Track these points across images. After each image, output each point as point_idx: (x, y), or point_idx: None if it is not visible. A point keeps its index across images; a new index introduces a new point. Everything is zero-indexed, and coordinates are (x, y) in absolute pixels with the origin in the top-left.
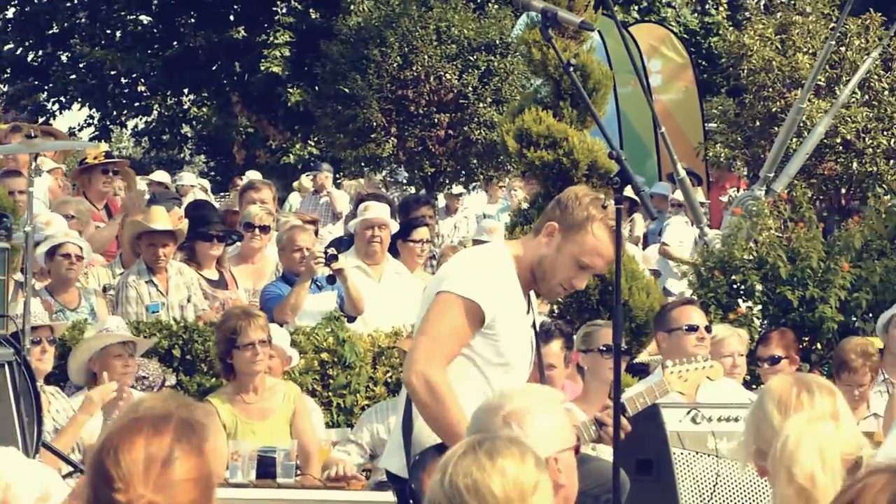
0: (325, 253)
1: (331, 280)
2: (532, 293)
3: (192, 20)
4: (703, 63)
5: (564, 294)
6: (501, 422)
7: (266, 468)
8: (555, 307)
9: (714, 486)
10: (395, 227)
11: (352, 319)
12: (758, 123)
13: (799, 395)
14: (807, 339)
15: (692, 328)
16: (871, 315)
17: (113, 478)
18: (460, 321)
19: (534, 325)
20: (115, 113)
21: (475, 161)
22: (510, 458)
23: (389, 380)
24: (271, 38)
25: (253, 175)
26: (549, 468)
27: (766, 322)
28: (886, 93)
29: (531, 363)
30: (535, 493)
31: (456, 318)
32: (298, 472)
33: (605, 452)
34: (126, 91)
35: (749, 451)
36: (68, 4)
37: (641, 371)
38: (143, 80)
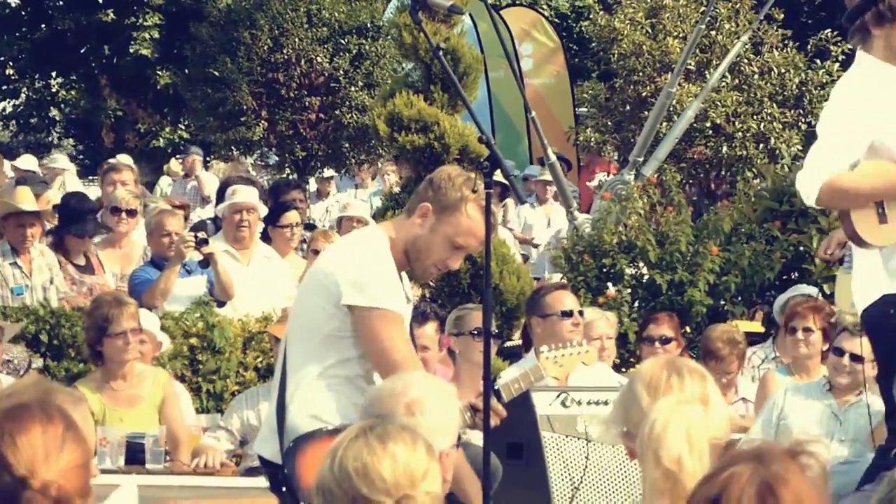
0: (196, 237)
1: (203, 264)
2: (404, 274)
3: (61, 2)
4: (574, 47)
5: (438, 274)
6: (404, 409)
7: (135, 454)
8: (426, 291)
9: (584, 469)
10: (263, 210)
11: (221, 304)
12: (628, 108)
13: (669, 378)
14: (690, 327)
15: (567, 313)
16: (739, 298)
17: (11, 464)
18: (404, 333)
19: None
20: None
21: (346, 145)
22: (402, 443)
23: (260, 365)
24: (140, 21)
25: (122, 158)
26: (440, 462)
27: (635, 305)
28: (756, 77)
29: None
30: (424, 479)
31: (401, 331)
32: (167, 458)
33: (478, 438)
34: None
35: (618, 432)
36: None
37: (513, 355)
38: (11, 63)
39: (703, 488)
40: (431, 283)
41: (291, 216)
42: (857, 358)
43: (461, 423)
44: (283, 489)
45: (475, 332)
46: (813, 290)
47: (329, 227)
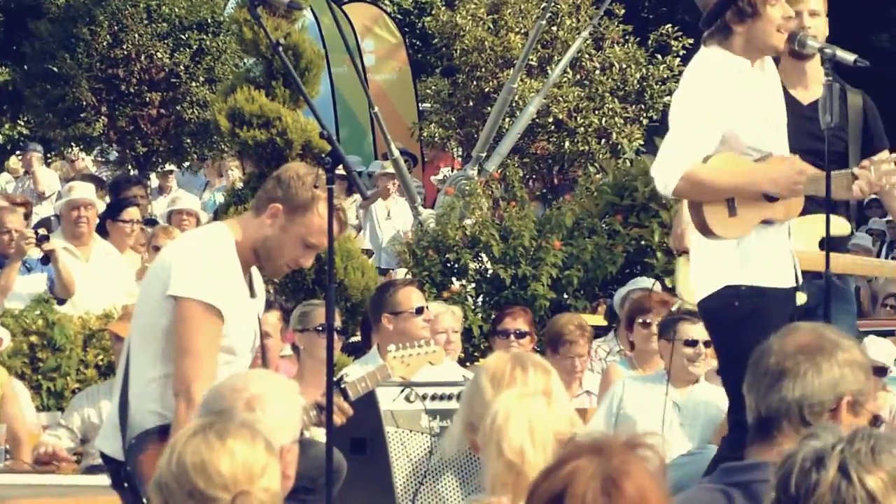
0: (36, 233)
1: (44, 261)
2: (255, 273)
3: None
4: (417, 43)
5: (289, 271)
6: (244, 405)
7: None
8: (269, 287)
9: (428, 463)
10: (101, 206)
11: (62, 302)
12: (471, 103)
13: (513, 371)
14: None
15: (419, 310)
16: (582, 292)
17: None
18: (212, 327)
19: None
20: None
21: (188, 140)
22: (241, 439)
23: (100, 363)
24: None
25: None
26: (281, 458)
27: (479, 300)
28: (597, 72)
29: (254, 350)
30: (262, 475)
31: (209, 328)
32: (8, 456)
33: (322, 435)
34: None
35: (462, 425)
36: None
37: (357, 350)
38: None
39: (545, 483)
40: (275, 279)
41: (130, 212)
42: (707, 344)
43: (306, 420)
44: (125, 486)
45: (319, 329)
46: (650, 283)
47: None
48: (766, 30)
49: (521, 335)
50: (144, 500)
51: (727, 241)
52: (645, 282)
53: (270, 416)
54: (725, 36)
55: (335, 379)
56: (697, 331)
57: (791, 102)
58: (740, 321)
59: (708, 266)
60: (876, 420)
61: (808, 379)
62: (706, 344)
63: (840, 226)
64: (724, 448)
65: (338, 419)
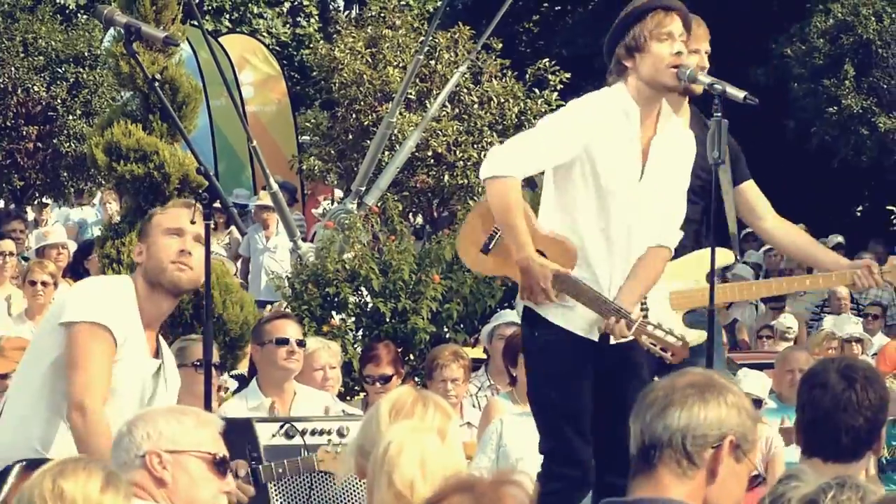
0: None
1: None
2: (162, 340)
3: None
4: (296, 75)
5: (185, 272)
6: (123, 426)
7: None
8: None
9: (308, 499)
10: None
11: None
12: (350, 136)
13: (413, 405)
14: (400, 349)
15: (281, 341)
16: (461, 325)
17: None
18: (103, 349)
19: (159, 373)
20: None
21: (66, 174)
22: (72, 480)
23: None
24: None
25: None
26: (147, 461)
27: (359, 333)
28: (476, 106)
29: (142, 403)
30: None
31: (98, 347)
32: None
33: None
34: None
35: (355, 448)
36: None
37: (238, 382)
38: None
39: None
40: None
41: (4, 244)
42: None
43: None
44: None
45: (197, 364)
46: (515, 316)
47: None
48: (655, 66)
49: (385, 380)
50: None
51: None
52: (511, 315)
53: (139, 429)
54: (620, 73)
55: (253, 455)
56: None
57: None
58: (535, 351)
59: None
60: (755, 478)
61: (695, 411)
62: None
63: (724, 255)
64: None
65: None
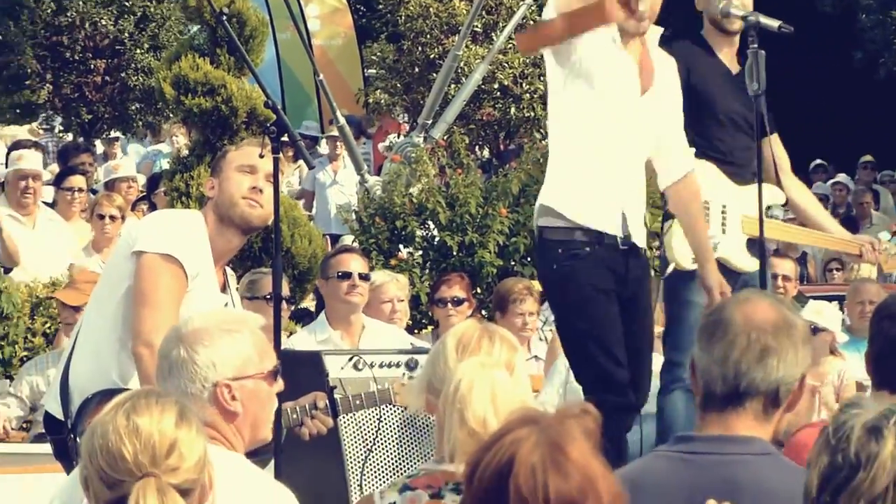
0: None
1: None
2: (229, 272)
3: None
4: (362, 8)
5: (256, 210)
6: (175, 343)
7: None
8: None
9: (377, 430)
10: (47, 176)
11: (7, 270)
12: (416, 70)
13: (479, 340)
14: (480, 289)
15: (345, 275)
16: (528, 259)
17: None
18: (173, 283)
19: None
20: None
21: (133, 107)
22: (146, 415)
23: (48, 331)
24: None
25: None
26: (218, 395)
27: (426, 267)
28: None
29: None
30: (171, 453)
31: (167, 281)
32: None
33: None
34: None
35: (423, 384)
36: None
37: (305, 317)
38: None
39: (488, 456)
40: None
41: (75, 180)
42: None
43: (288, 419)
44: (69, 450)
45: (268, 297)
46: None
47: None
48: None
49: (458, 302)
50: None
51: None
52: None
53: (202, 354)
54: None
55: (331, 387)
56: None
57: (725, 72)
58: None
59: None
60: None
61: (789, 359)
62: None
63: (775, 195)
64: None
65: (318, 429)
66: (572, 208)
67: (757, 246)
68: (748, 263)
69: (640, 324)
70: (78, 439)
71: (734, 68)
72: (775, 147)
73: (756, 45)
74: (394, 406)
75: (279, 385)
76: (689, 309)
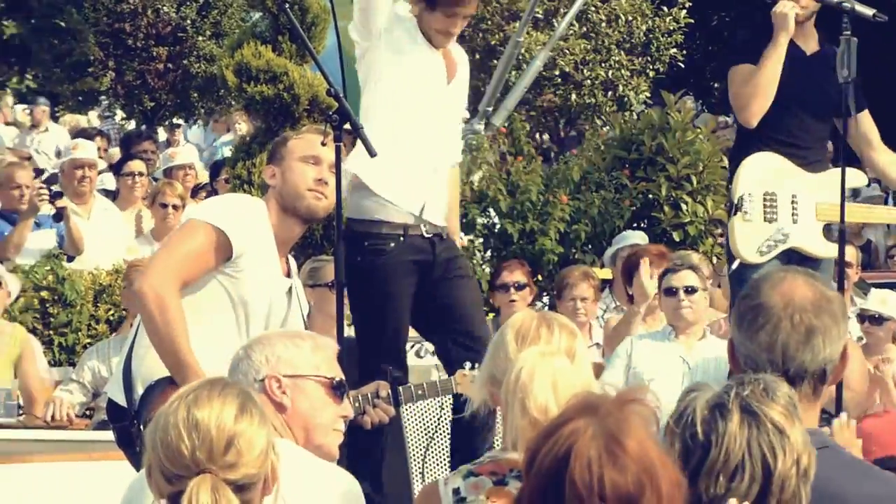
0: (50, 190)
1: (56, 218)
2: (292, 261)
3: None
4: None
5: (323, 200)
6: (242, 349)
7: None
8: None
9: (439, 417)
10: (102, 165)
11: (70, 259)
12: (477, 56)
13: (538, 329)
14: (541, 274)
15: None
16: (589, 246)
17: None
18: (205, 246)
19: (291, 292)
20: None
21: (195, 95)
22: (206, 409)
23: (111, 318)
24: None
25: None
26: (266, 386)
27: (487, 254)
28: (604, 24)
29: (275, 320)
30: (229, 449)
31: (200, 242)
32: (21, 412)
33: None
34: None
35: (485, 376)
36: None
37: None
38: None
39: (545, 446)
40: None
41: (134, 165)
42: (690, 290)
43: (352, 407)
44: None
45: (330, 285)
46: (640, 237)
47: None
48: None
49: (519, 287)
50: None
51: None
52: (634, 236)
53: (256, 354)
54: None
55: (395, 374)
56: (678, 278)
57: (794, 55)
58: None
59: None
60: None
61: (833, 335)
62: (687, 290)
63: (857, 177)
64: None
65: (380, 417)
66: (381, 185)
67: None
68: (825, 249)
69: (460, 290)
70: (142, 427)
71: (809, 48)
72: (863, 124)
73: (849, 32)
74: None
75: (345, 408)
76: None
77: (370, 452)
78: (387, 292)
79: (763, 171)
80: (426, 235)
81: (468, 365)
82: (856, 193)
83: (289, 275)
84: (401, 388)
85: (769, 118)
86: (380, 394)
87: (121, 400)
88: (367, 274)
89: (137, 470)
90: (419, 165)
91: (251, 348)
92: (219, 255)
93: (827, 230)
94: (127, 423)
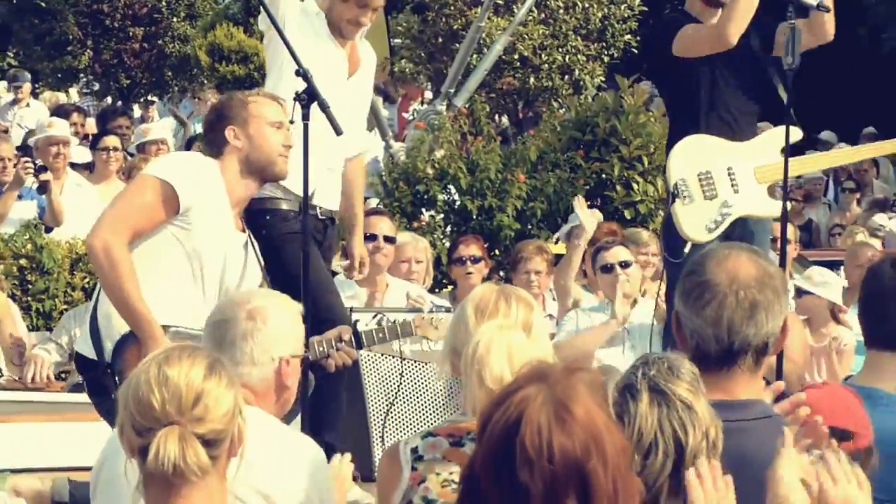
0: (34, 164)
1: (40, 190)
2: (246, 231)
3: None
4: None
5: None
6: (246, 315)
7: None
8: None
9: (398, 385)
10: (75, 142)
11: (49, 229)
12: (440, 40)
13: (497, 302)
14: (486, 245)
15: (371, 237)
16: (545, 223)
17: None
18: (153, 200)
19: (247, 246)
20: None
21: (169, 73)
22: (176, 367)
23: (87, 285)
24: None
25: None
26: (280, 368)
27: (448, 229)
28: (561, 11)
29: (235, 282)
30: (196, 404)
31: (148, 196)
32: (0, 374)
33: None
34: None
35: (447, 348)
36: None
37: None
38: None
39: (497, 412)
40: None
41: (109, 140)
42: (624, 265)
43: (317, 351)
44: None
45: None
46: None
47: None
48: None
49: (475, 261)
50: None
51: None
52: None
53: (271, 328)
54: None
55: (354, 321)
56: (612, 255)
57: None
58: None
59: None
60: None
61: (776, 309)
62: (622, 265)
63: (794, 133)
64: None
65: (343, 360)
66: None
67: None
68: (773, 208)
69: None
70: (117, 378)
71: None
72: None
73: (794, 21)
74: (413, 362)
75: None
76: None
77: (333, 407)
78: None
79: (692, 154)
80: (320, 217)
81: (427, 309)
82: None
83: (244, 231)
84: (362, 333)
85: (702, 99)
86: (343, 338)
87: (90, 353)
88: (271, 243)
89: (107, 419)
90: (313, 164)
91: (263, 319)
92: (167, 208)
93: (771, 191)
94: (99, 373)
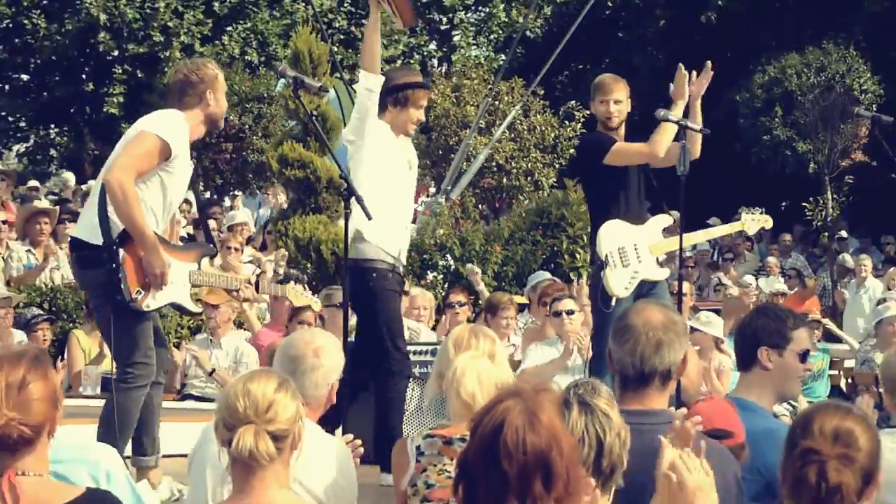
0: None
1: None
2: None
3: (57, 77)
4: None
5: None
6: (312, 353)
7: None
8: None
9: (415, 401)
10: (183, 222)
11: None
12: (440, 152)
13: (469, 339)
14: (472, 297)
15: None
16: (515, 281)
17: None
18: (153, 150)
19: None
20: None
21: (250, 175)
22: (256, 382)
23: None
24: (110, 89)
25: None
26: (331, 390)
27: (445, 286)
28: (526, 132)
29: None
30: (268, 410)
31: (149, 147)
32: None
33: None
34: None
35: (435, 374)
36: None
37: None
38: (23, 118)
39: (485, 419)
40: (309, 271)
41: (210, 223)
42: (570, 312)
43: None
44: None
45: (338, 305)
46: (547, 275)
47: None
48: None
49: (462, 305)
50: (122, 287)
51: None
52: (544, 275)
53: (328, 362)
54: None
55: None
56: (562, 305)
57: None
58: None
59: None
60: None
61: (676, 347)
62: (568, 313)
63: (664, 219)
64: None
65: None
66: (381, 241)
67: (666, 259)
68: (661, 273)
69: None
70: (119, 247)
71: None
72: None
73: (685, 141)
74: (422, 382)
75: None
76: None
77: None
78: (393, 302)
79: (613, 234)
80: (399, 273)
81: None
82: (694, 247)
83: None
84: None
85: (611, 197)
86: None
87: (92, 239)
88: (374, 294)
89: (95, 290)
90: (397, 224)
91: (323, 354)
92: (161, 156)
93: (657, 261)
94: (99, 251)
